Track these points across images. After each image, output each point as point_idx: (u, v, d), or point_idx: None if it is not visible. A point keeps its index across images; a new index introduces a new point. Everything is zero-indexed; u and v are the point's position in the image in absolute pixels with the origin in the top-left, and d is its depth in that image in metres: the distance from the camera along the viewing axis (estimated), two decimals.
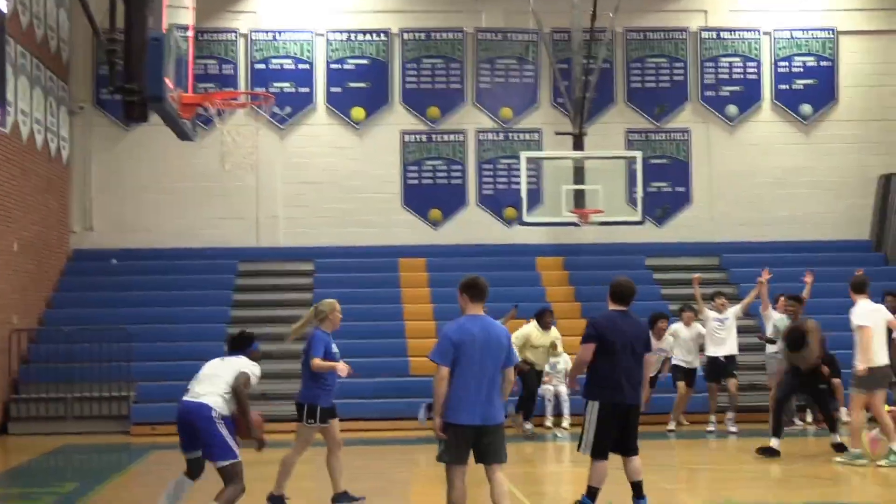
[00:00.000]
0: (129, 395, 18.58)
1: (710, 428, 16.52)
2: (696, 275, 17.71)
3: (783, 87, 23.10)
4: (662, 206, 22.65)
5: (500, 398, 8.23)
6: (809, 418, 17.66)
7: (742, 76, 23.10)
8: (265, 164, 22.19)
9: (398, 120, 22.71)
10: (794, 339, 14.00)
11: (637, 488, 9.69)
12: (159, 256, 21.66)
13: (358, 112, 22.61)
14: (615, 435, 9.52)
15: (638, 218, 20.27)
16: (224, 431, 8.73)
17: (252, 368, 9.03)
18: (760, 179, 22.85)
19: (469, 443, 8.15)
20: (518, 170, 20.59)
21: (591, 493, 9.55)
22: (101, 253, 21.59)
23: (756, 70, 23.12)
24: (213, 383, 8.90)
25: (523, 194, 19.98)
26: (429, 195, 22.65)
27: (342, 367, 10.33)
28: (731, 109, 23.02)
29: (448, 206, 22.68)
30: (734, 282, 21.09)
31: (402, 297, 20.93)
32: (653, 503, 9.75)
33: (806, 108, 23.08)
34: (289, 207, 22.38)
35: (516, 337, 15.74)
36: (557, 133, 21.57)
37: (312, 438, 10.49)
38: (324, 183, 22.42)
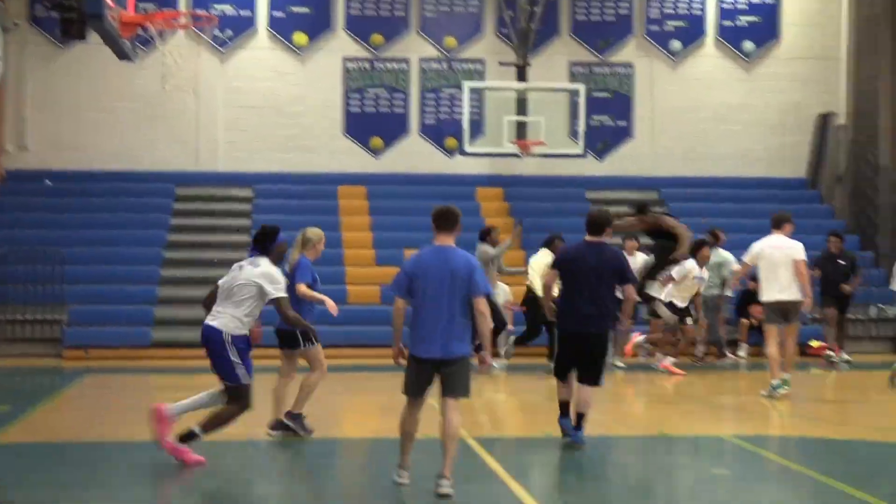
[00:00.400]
0: (62, 318, 18.42)
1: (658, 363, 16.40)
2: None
3: (727, 23, 23.14)
4: (603, 140, 22.70)
5: (462, 331, 7.93)
6: (742, 352, 17.96)
7: (687, 12, 23.09)
8: (205, 88, 21.92)
9: (341, 46, 22.47)
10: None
11: (577, 419, 9.84)
12: (96, 178, 21.38)
13: (300, 37, 22.34)
14: (576, 361, 9.88)
15: (579, 151, 20.34)
16: (233, 356, 8.87)
17: (274, 280, 9.00)
18: (701, 115, 22.96)
19: (427, 376, 7.97)
20: (461, 100, 20.53)
21: (560, 407, 9.98)
22: (36, 174, 21.27)
23: (700, 6, 23.12)
24: (228, 303, 8.99)
25: (465, 124, 19.94)
26: (370, 123, 22.51)
27: (332, 305, 10.38)
28: (675, 45, 23.04)
29: (390, 135, 22.57)
30: (673, 216, 21.20)
31: (341, 225, 20.86)
32: (585, 433, 9.88)
33: (748, 45, 23.16)
34: (229, 132, 22.15)
35: (535, 266, 15.64)
36: (501, 63, 21.50)
37: (322, 356, 10.46)
38: (265, 108, 22.19)
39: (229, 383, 8.97)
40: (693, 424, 11.94)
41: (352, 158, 22.34)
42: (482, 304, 7.94)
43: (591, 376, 9.89)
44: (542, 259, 15.68)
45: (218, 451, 9.36)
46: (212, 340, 8.94)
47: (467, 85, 20.41)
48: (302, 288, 10.29)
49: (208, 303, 9.20)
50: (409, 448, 8.09)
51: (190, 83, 21.62)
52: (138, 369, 16.63)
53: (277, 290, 9.04)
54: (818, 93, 23.03)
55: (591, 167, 22.34)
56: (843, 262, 17.52)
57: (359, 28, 22.47)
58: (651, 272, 16.09)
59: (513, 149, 19.93)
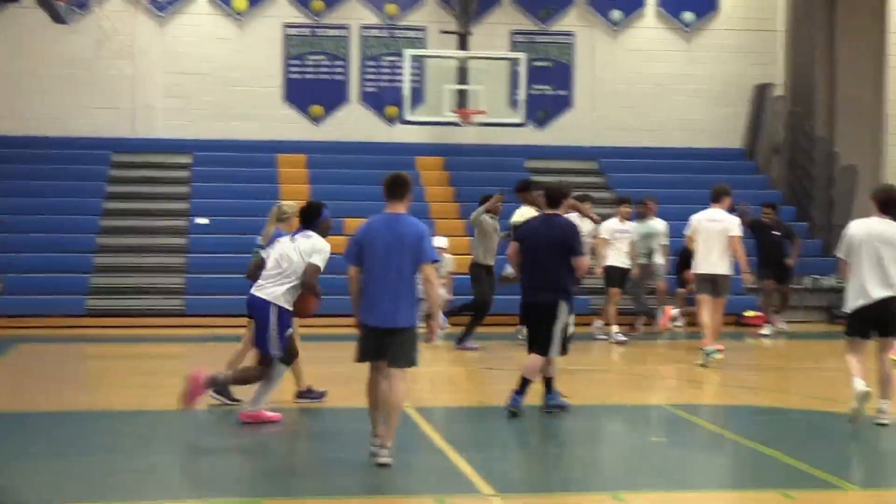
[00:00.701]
0: None
1: (599, 335, 16.39)
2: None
3: None
4: (544, 109, 22.70)
5: (410, 300, 7.94)
6: (680, 322, 18.04)
7: None
8: (143, 53, 21.62)
9: (281, 12, 22.23)
10: None
11: (520, 383, 9.94)
12: (29, 144, 21.01)
13: (240, 2, 22.07)
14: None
15: (519, 120, 20.33)
16: (272, 330, 9.23)
17: (320, 251, 9.28)
18: (641, 85, 23.02)
19: (376, 343, 7.97)
20: (402, 68, 20.42)
21: (520, 382, 10.01)
22: None
23: None
24: (276, 274, 9.32)
25: (406, 93, 19.83)
26: (311, 91, 22.33)
27: None
28: (616, 14, 23.06)
29: (330, 103, 22.40)
30: (612, 186, 21.35)
31: (280, 193, 20.68)
32: (527, 402, 9.93)
33: (688, 16, 23.23)
34: (167, 98, 21.86)
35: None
36: (442, 32, 21.41)
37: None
38: (204, 74, 21.91)
39: (261, 352, 9.33)
40: (631, 394, 12.03)
41: (292, 126, 22.16)
42: (428, 272, 7.94)
43: (539, 346, 9.92)
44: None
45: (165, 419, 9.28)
46: (258, 309, 9.27)
47: (408, 53, 20.29)
48: None
49: (254, 273, 9.71)
50: (379, 417, 8.05)
51: (127, 48, 21.38)
52: (72, 338, 16.42)
53: (318, 258, 9.25)
54: (756, 64, 23.16)
55: (532, 137, 22.34)
56: (777, 233, 17.64)
57: None
58: None
59: (453, 118, 19.87)
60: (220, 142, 21.67)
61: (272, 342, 9.26)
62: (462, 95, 19.89)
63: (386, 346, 7.96)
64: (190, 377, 9.15)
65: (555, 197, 10.06)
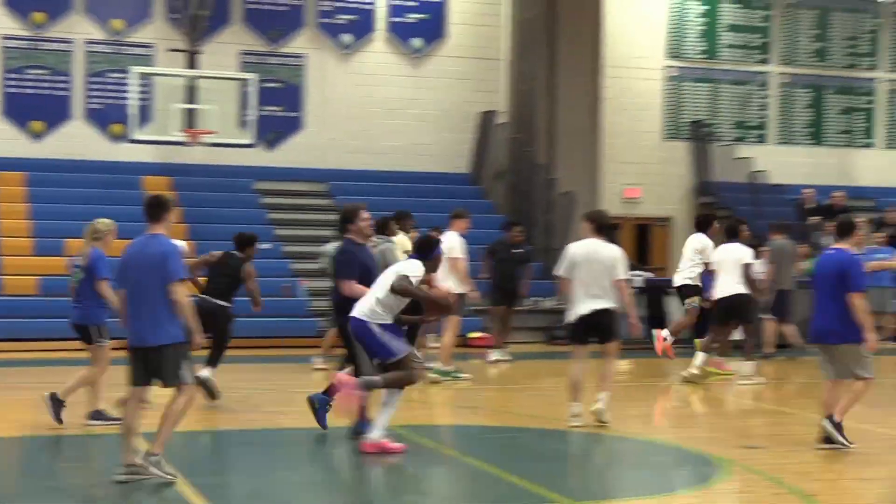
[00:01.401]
0: None
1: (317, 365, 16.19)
2: None
3: (397, 19, 23.61)
4: (274, 131, 22.66)
5: (164, 318, 7.97)
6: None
7: (358, 5, 23.39)
8: None
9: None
10: None
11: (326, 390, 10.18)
12: None
13: None
14: None
15: (249, 140, 20.24)
16: (380, 337, 9.28)
17: (411, 270, 9.38)
18: (371, 109, 23.32)
19: (141, 364, 8.08)
20: (128, 84, 19.95)
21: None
22: None
23: (371, 1, 23.48)
24: (371, 294, 9.43)
25: (133, 111, 19.42)
26: (30, 106, 21.48)
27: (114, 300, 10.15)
28: (346, 38, 23.30)
29: (51, 119, 21.61)
30: (341, 209, 21.47)
31: None
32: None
33: (417, 42, 23.73)
34: None
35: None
36: (171, 50, 21.06)
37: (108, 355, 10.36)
38: None
39: (388, 360, 9.37)
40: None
41: (10, 142, 21.25)
42: (175, 291, 8.00)
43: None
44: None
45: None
46: (360, 331, 9.39)
47: (135, 70, 19.89)
48: (104, 286, 10.07)
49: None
50: (128, 443, 8.08)
51: None
52: None
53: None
54: (482, 91, 23.88)
55: (262, 158, 22.25)
56: (518, 252, 17.25)
57: (18, 5, 21.40)
58: None
59: (182, 137, 19.58)
60: None
61: (388, 347, 9.30)
62: (191, 115, 19.63)
63: (151, 367, 8.06)
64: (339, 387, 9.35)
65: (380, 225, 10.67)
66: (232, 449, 10.15)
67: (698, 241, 14.90)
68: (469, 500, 8.30)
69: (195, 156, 21.47)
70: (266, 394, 13.38)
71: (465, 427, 11.44)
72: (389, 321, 9.31)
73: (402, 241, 14.09)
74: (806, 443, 9.96)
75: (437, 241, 9.93)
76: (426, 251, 9.65)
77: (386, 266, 10.15)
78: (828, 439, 9.71)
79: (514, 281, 16.94)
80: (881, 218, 22.10)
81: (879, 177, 25.81)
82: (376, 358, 9.40)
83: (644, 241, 24.79)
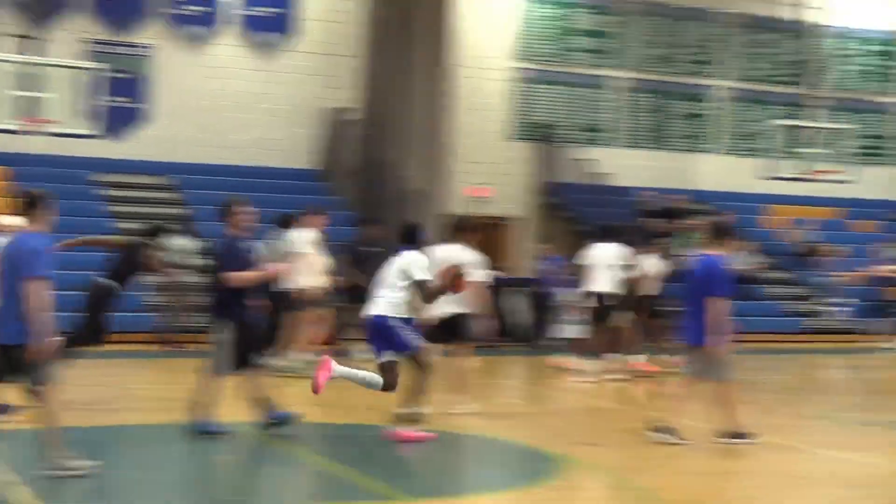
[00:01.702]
0: None
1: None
2: None
3: (250, 12, 23.37)
4: (120, 122, 22.18)
5: (20, 316, 7.82)
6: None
7: None
8: None
9: None
10: None
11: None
12: None
13: None
14: None
15: (93, 131, 19.78)
16: (400, 330, 9.72)
17: (419, 264, 9.87)
18: (221, 102, 23.03)
19: (4, 361, 7.95)
20: None
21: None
22: None
23: None
24: (383, 290, 9.88)
25: None
26: None
27: None
28: (197, 30, 22.95)
29: None
30: (189, 203, 21.19)
31: None
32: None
33: (269, 37, 23.52)
34: None
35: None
36: (11, 35, 20.44)
37: None
38: None
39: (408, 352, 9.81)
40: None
41: None
42: (27, 287, 7.84)
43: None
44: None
45: None
46: (380, 327, 9.81)
47: None
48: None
49: None
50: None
51: None
52: None
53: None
54: (334, 87, 23.78)
55: (106, 149, 21.74)
56: (365, 252, 17.17)
57: None
58: None
59: (19, 125, 19.01)
60: None
61: (407, 340, 9.70)
62: (31, 103, 19.07)
63: (15, 365, 7.94)
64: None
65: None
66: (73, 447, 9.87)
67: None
68: (309, 499, 8.25)
69: (34, 145, 20.84)
70: (106, 390, 13.09)
71: (309, 424, 11.37)
72: (406, 315, 9.80)
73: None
74: (643, 440, 10.18)
75: (422, 227, 10.38)
76: (413, 237, 10.13)
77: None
78: (661, 429, 10.05)
79: (368, 279, 16.82)
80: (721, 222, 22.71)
81: (719, 181, 26.61)
82: (396, 351, 9.72)
83: (491, 239, 25.04)
